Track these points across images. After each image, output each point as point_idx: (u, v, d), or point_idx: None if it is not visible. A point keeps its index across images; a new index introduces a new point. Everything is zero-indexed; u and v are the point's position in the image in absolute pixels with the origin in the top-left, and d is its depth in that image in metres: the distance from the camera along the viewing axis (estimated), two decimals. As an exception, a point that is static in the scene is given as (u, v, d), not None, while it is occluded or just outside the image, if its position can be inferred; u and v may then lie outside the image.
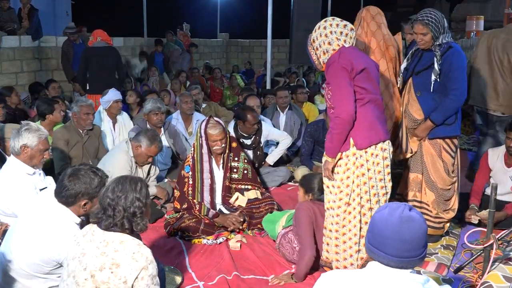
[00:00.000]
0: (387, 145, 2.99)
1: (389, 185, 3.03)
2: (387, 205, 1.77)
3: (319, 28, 3.00)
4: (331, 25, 2.96)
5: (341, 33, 2.94)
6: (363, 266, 2.99)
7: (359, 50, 3.07)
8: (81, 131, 4.73)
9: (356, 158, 2.91)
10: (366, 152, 2.90)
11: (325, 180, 3.10)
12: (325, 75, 3.00)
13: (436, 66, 3.33)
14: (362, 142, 2.88)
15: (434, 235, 3.63)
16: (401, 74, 3.58)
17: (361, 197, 2.93)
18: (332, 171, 2.99)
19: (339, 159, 2.96)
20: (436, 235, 3.68)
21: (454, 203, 3.63)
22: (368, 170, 2.91)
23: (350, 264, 2.99)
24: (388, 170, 3.00)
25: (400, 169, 3.94)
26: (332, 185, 3.03)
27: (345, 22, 2.98)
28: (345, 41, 2.94)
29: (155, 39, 11.18)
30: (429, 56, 3.41)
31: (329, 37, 2.94)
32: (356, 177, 2.91)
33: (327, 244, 3.12)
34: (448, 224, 3.71)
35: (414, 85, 3.50)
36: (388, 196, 3.03)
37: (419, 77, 3.46)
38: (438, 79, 3.36)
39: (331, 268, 3.04)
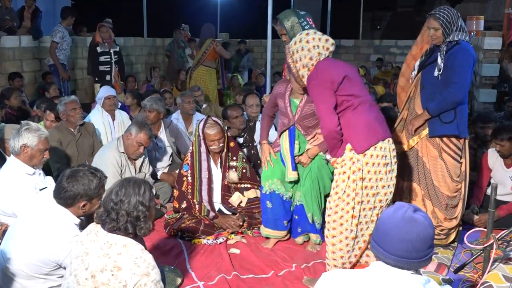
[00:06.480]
0: (387, 143, 2.90)
1: (391, 182, 2.93)
2: (395, 204, 1.78)
3: (300, 41, 2.96)
4: (313, 39, 2.93)
5: (323, 47, 2.93)
6: (354, 265, 2.99)
7: (335, 59, 3.04)
8: (72, 129, 4.70)
9: (353, 162, 2.85)
10: (365, 155, 2.84)
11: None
12: (307, 91, 3.00)
13: (439, 60, 3.34)
14: (362, 145, 2.84)
15: (437, 245, 3.57)
16: (414, 70, 3.60)
17: (353, 208, 2.87)
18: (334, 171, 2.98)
19: (335, 163, 2.94)
20: (440, 245, 3.61)
21: (459, 212, 3.56)
22: (368, 172, 2.85)
23: (343, 264, 2.96)
24: (389, 168, 2.89)
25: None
26: (331, 194, 3.00)
27: (326, 37, 2.96)
28: (324, 54, 2.93)
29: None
30: (438, 52, 3.43)
31: (311, 51, 2.91)
32: (353, 181, 2.86)
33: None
34: (454, 235, 3.63)
35: (421, 80, 3.53)
36: (391, 195, 2.94)
37: (425, 72, 3.49)
38: (439, 76, 3.35)
39: None
